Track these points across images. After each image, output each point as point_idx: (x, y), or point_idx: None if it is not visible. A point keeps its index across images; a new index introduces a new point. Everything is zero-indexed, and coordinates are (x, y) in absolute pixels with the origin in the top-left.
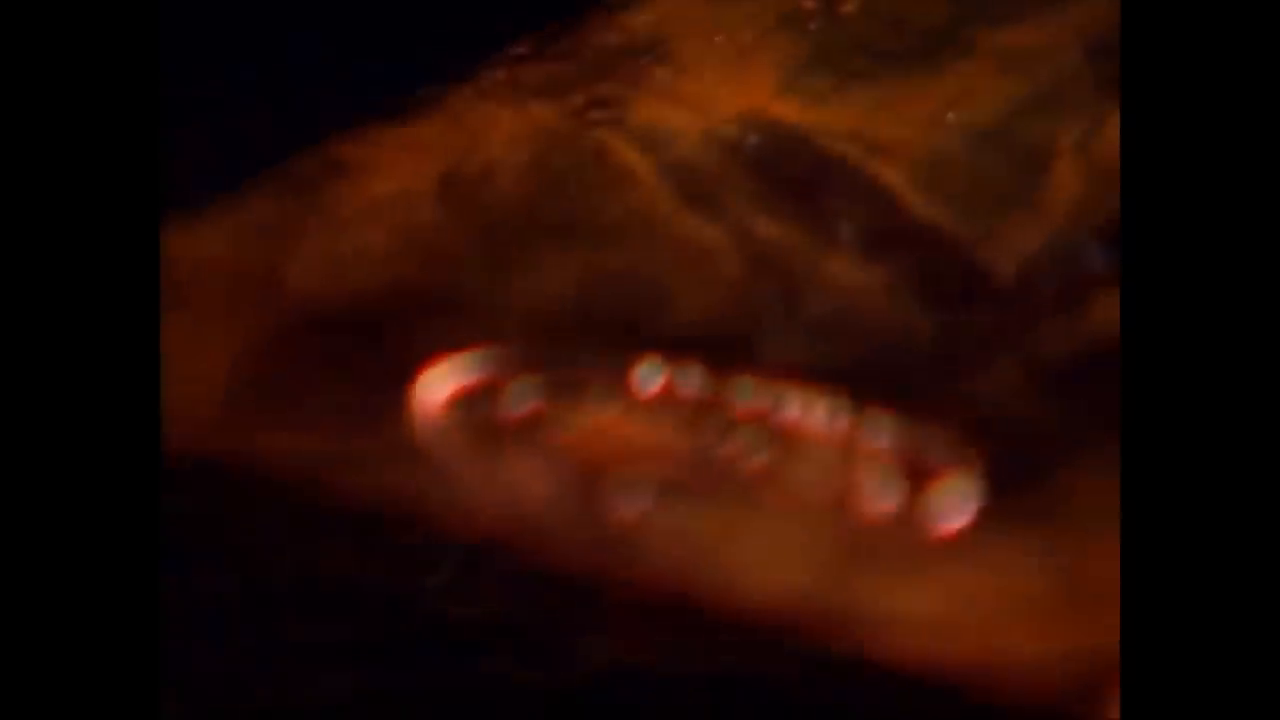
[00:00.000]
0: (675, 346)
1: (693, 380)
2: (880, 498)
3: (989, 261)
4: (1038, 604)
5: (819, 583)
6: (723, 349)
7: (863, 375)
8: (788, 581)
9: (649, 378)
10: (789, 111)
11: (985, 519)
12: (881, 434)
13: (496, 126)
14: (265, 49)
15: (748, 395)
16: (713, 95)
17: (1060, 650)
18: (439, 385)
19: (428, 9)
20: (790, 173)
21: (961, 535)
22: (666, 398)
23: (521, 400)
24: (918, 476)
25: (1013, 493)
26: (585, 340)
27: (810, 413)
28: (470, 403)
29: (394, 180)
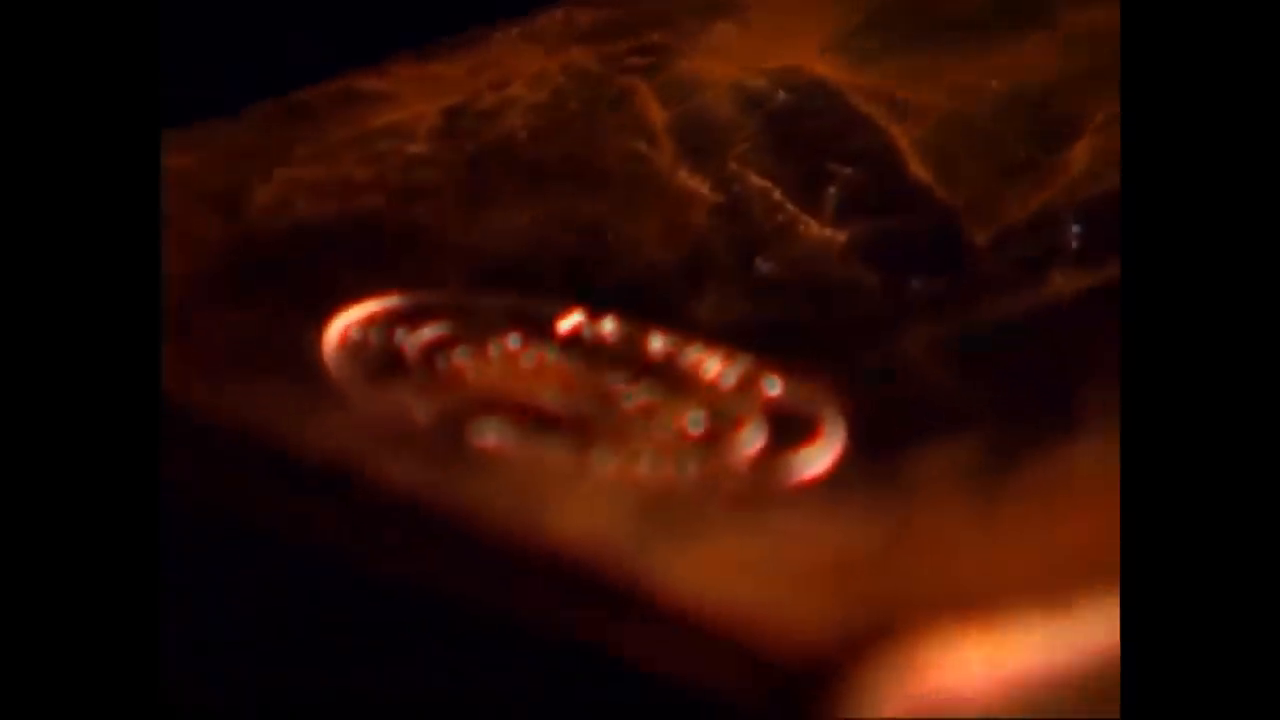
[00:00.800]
0: (614, 293)
1: (609, 327)
2: (741, 447)
3: (966, 230)
4: (842, 566)
5: (629, 525)
6: (661, 297)
7: (789, 331)
8: (601, 522)
9: (567, 322)
10: (828, 70)
11: (844, 480)
12: (771, 387)
13: (525, 66)
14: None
15: (657, 344)
16: (758, 50)
17: (839, 612)
18: (353, 318)
19: None
20: (803, 130)
21: (808, 492)
22: (577, 342)
23: (428, 334)
24: (787, 430)
25: (879, 458)
26: (526, 282)
27: (710, 363)
28: (374, 334)
29: (398, 112)
